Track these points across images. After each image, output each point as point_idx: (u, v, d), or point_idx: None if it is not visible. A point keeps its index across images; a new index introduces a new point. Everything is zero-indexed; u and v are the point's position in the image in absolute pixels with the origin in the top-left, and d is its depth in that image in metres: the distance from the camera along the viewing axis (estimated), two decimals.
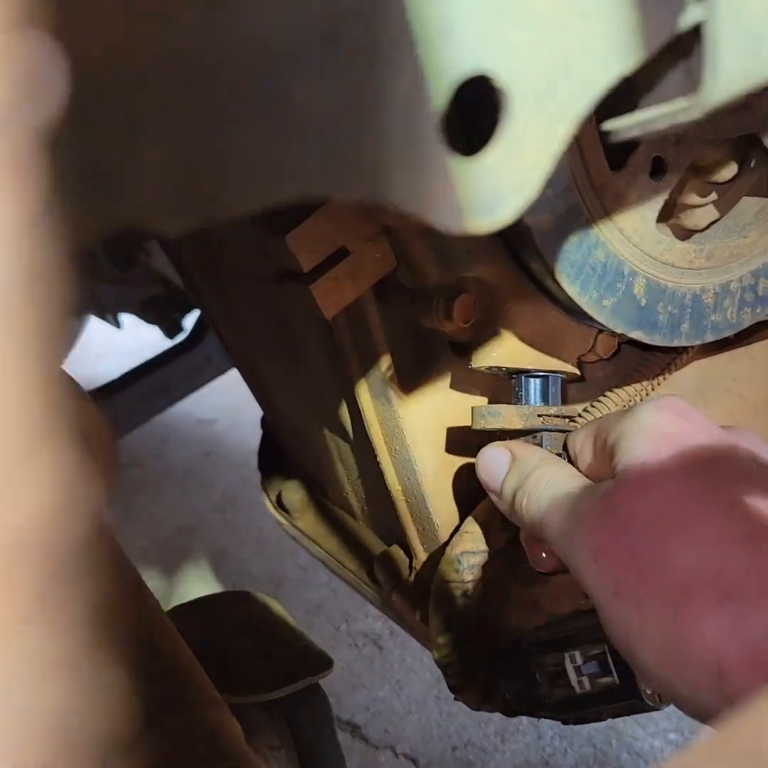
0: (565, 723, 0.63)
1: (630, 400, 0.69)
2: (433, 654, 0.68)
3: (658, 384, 0.70)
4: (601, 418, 0.60)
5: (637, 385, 0.69)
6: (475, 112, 0.25)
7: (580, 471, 0.58)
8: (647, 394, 0.69)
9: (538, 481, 0.58)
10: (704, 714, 0.44)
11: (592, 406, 0.68)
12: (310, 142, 0.22)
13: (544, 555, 0.61)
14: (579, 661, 0.60)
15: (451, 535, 0.70)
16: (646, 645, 0.45)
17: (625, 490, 0.50)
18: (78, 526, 0.17)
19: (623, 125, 0.32)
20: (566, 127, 0.25)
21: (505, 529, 0.66)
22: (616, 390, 0.69)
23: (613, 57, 0.26)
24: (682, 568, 0.45)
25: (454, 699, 0.67)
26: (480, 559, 0.67)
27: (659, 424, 0.52)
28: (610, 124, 0.33)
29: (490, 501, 0.65)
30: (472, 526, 0.68)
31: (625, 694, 0.58)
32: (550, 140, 0.25)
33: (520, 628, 0.69)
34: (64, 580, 0.17)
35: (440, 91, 0.24)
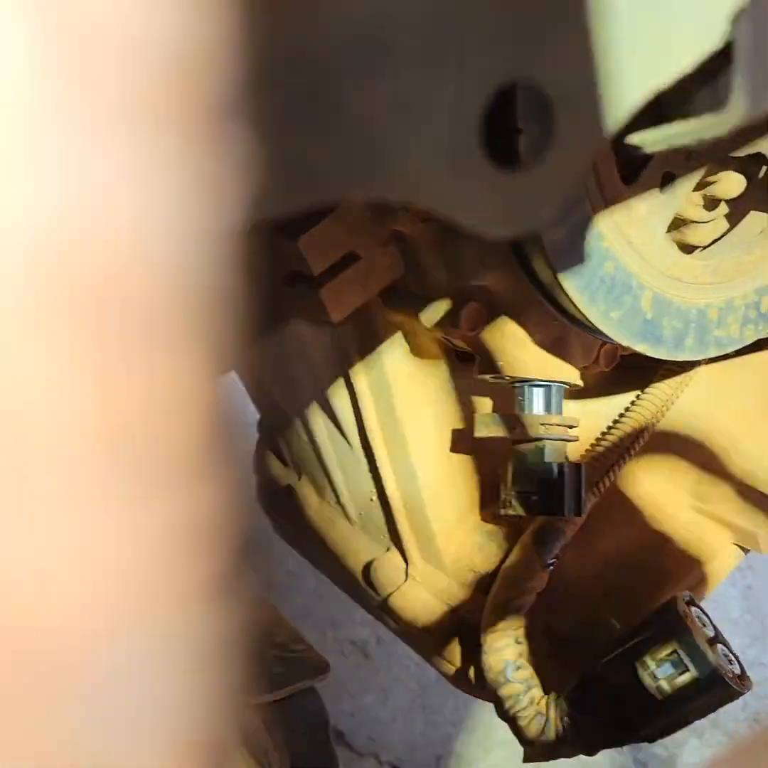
0: (651, 741, 0.60)
1: (672, 395, 0.70)
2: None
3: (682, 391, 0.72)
4: None
5: (672, 381, 0.70)
6: (508, 120, 0.26)
7: None
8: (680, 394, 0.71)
9: None
10: None
11: (639, 400, 0.70)
12: (356, 145, 0.22)
13: None
14: (652, 666, 0.58)
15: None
16: None
17: None
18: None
19: (650, 139, 0.32)
20: (601, 141, 0.26)
21: (544, 568, 0.64)
22: (657, 384, 0.70)
23: (649, 72, 0.26)
24: None
25: (524, 760, 0.64)
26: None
27: None
28: (635, 138, 0.33)
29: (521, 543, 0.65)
30: (510, 571, 0.67)
31: (708, 684, 0.56)
32: (586, 153, 0.25)
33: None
34: (237, 575, 0.17)
35: (481, 98, 0.24)
